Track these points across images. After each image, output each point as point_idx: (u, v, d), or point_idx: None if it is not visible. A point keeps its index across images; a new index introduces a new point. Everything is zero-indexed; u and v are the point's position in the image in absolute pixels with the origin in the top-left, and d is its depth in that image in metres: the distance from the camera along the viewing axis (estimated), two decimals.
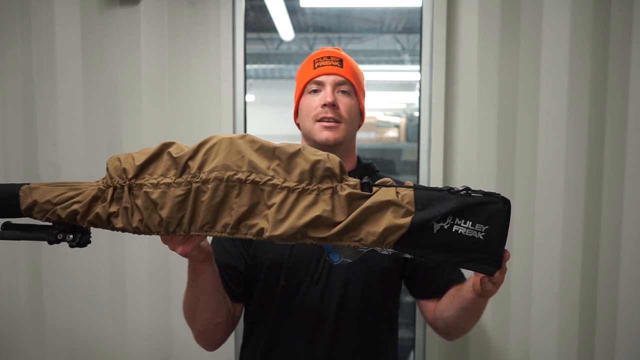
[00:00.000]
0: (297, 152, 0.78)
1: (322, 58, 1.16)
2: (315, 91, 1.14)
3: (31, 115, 1.65)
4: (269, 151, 0.79)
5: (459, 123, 1.60)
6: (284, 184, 0.78)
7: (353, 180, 0.79)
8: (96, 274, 1.65)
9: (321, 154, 0.79)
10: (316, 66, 1.15)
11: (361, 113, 1.21)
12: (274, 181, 0.78)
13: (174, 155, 0.80)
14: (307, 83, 1.15)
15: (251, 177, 0.78)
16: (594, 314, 1.60)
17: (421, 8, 1.62)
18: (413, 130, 3.93)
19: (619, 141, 1.57)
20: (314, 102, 1.13)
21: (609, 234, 1.58)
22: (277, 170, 0.78)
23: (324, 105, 1.11)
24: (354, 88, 1.16)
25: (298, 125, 1.21)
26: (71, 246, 0.84)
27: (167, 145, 0.82)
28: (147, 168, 0.81)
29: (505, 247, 0.81)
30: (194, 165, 0.79)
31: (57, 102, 1.64)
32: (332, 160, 0.79)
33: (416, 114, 2.50)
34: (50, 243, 0.83)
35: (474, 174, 1.60)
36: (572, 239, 1.58)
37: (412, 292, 1.23)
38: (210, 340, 1.12)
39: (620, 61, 1.56)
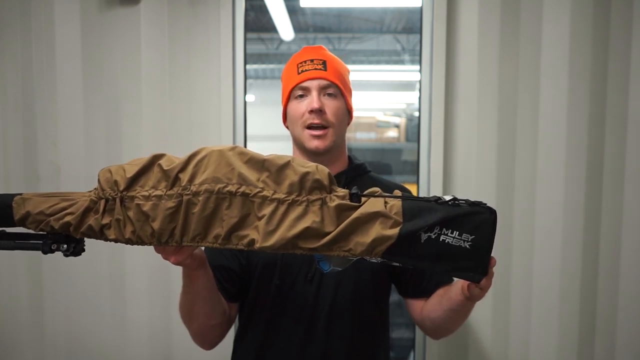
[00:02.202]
0: (287, 164, 0.79)
1: (305, 62, 1.15)
2: (301, 96, 1.14)
3: (31, 115, 1.65)
4: (258, 163, 0.80)
5: (459, 123, 1.60)
6: (274, 196, 0.79)
7: (342, 191, 0.80)
8: (96, 274, 1.65)
9: (310, 166, 0.80)
10: (300, 71, 1.14)
11: (349, 112, 1.20)
12: (264, 193, 0.79)
13: (165, 168, 0.80)
14: (293, 89, 1.15)
15: (241, 190, 0.79)
16: (594, 316, 1.60)
17: (421, 8, 1.62)
18: (413, 130, 3.93)
19: (619, 141, 1.57)
20: (300, 108, 1.13)
21: (609, 235, 1.58)
22: (266, 182, 0.79)
23: (311, 111, 1.11)
24: (339, 89, 1.15)
25: (287, 127, 1.21)
26: (65, 255, 0.85)
27: (157, 157, 0.82)
28: (138, 180, 0.81)
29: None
30: (185, 177, 0.80)
31: (57, 102, 1.64)
32: (321, 171, 0.79)
33: (416, 114, 2.50)
34: (45, 253, 0.83)
35: (474, 174, 1.59)
36: (572, 239, 1.58)
37: (400, 291, 1.24)
38: (206, 340, 1.14)
39: (620, 61, 1.56)
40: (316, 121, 1.11)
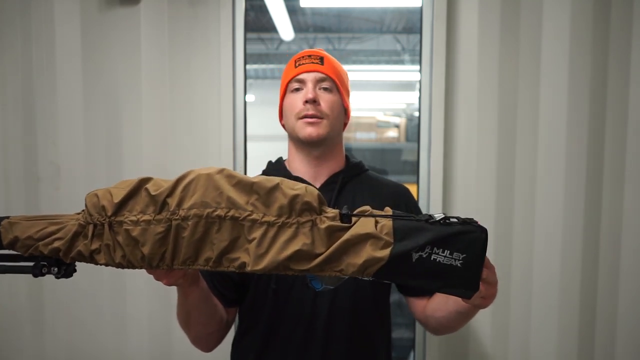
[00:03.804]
0: (275, 187, 0.79)
1: (303, 57, 1.17)
2: (297, 89, 1.15)
3: (31, 115, 1.65)
4: (247, 186, 0.79)
5: (459, 123, 1.60)
6: (264, 219, 0.78)
7: (332, 212, 0.79)
8: (96, 273, 1.64)
9: (299, 188, 0.79)
10: (297, 65, 1.16)
11: (346, 111, 1.20)
12: (253, 216, 0.78)
13: (152, 193, 0.79)
14: (289, 82, 1.16)
15: (230, 213, 0.78)
16: (594, 315, 1.60)
17: (421, 8, 1.62)
18: (413, 130, 3.93)
19: (619, 141, 1.57)
20: (296, 100, 1.14)
21: (609, 234, 1.58)
22: (256, 205, 0.79)
23: (306, 102, 1.12)
24: (335, 84, 1.16)
25: (283, 126, 1.21)
26: (57, 278, 0.84)
27: (144, 181, 0.81)
28: (125, 205, 0.80)
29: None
30: (173, 202, 0.79)
31: (57, 102, 1.64)
32: (311, 193, 0.79)
33: (416, 114, 2.50)
34: (35, 276, 0.83)
35: (474, 174, 1.60)
36: (572, 238, 1.58)
37: (401, 289, 1.24)
38: (204, 345, 1.14)
39: (620, 61, 1.56)
40: (310, 112, 1.11)
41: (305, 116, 1.12)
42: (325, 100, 1.13)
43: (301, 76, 1.14)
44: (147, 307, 1.65)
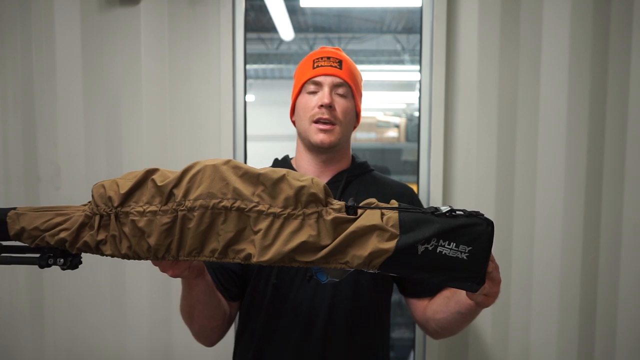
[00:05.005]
0: (282, 178, 0.79)
1: (321, 58, 1.17)
2: (313, 92, 1.15)
3: (31, 115, 1.65)
4: (253, 177, 0.79)
5: (459, 123, 1.60)
6: (270, 210, 0.78)
7: (338, 204, 0.79)
8: (97, 269, 1.65)
9: (305, 179, 0.79)
10: (315, 66, 1.16)
11: (357, 115, 1.21)
12: (260, 207, 0.78)
13: (159, 184, 0.80)
14: (305, 82, 1.16)
15: (236, 205, 0.78)
16: (594, 315, 1.60)
17: (421, 8, 1.62)
18: (413, 130, 3.93)
19: (619, 141, 1.57)
20: (311, 103, 1.14)
21: (608, 233, 1.58)
22: (262, 196, 0.79)
23: (321, 106, 1.12)
24: (351, 90, 1.16)
25: (294, 122, 1.21)
26: (63, 269, 0.85)
27: (150, 172, 0.81)
28: (132, 195, 0.81)
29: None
30: (179, 193, 0.79)
31: (57, 102, 1.64)
32: (317, 185, 0.79)
33: (416, 114, 2.50)
34: (41, 267, 0.83)
35: (474, 174, 1.60)
36: (572, 238, 1.58)
37: (402, 290, 1.23)
38: (207, 339, 1.15)
39: (620, 61, 1.56)
40: (325, 116, 1.12)
41: (319, 120, 1.12)
42: (340, 105, 1.14)
43: (318, 79, 1.14)
44: (147, 298, 1.65)
